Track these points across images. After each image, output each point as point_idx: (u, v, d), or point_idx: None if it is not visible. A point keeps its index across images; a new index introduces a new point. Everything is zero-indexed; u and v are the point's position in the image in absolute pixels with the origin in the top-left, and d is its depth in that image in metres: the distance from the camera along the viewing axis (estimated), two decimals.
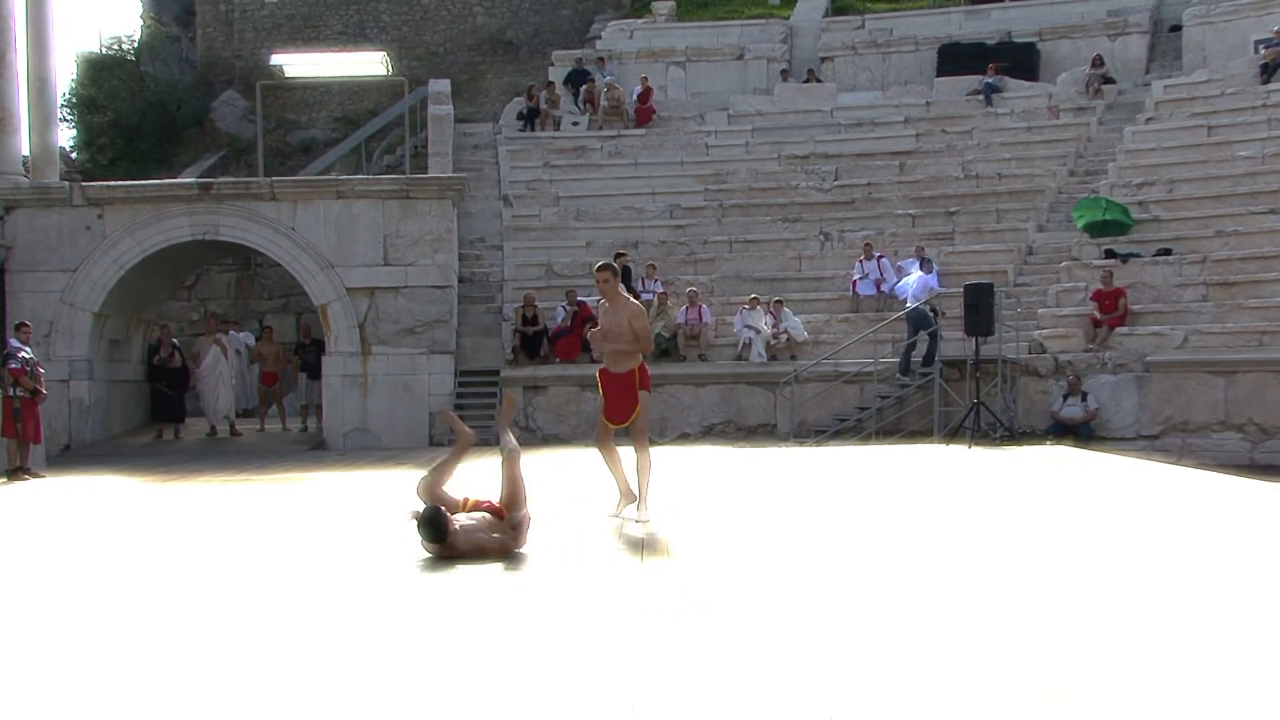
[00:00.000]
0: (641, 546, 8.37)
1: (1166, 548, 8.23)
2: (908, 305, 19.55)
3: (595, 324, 9.80)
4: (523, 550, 8.01)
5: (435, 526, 7.75)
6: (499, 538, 7.91)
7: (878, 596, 6.58)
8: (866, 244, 21.39)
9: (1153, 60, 26.91)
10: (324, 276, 20.08)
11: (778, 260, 22.42)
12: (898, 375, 19.17)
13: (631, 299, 10.01)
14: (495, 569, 7.56)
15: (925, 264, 20.06)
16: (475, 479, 8.95)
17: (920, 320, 18.99)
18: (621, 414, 9.59)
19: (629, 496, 9.65)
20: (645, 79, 27.25)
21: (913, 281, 19.87)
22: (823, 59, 28.73)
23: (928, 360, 18.93)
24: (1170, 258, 20.17)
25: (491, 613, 6.39)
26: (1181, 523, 9.60)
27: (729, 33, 29.59)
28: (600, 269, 9.65)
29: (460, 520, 7.92)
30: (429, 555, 7.85)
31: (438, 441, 18.88)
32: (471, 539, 7.81)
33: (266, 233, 20.23)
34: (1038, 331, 19.64)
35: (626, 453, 9.78)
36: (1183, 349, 18.55)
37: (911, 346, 19.05)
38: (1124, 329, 19.12)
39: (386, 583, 7.26)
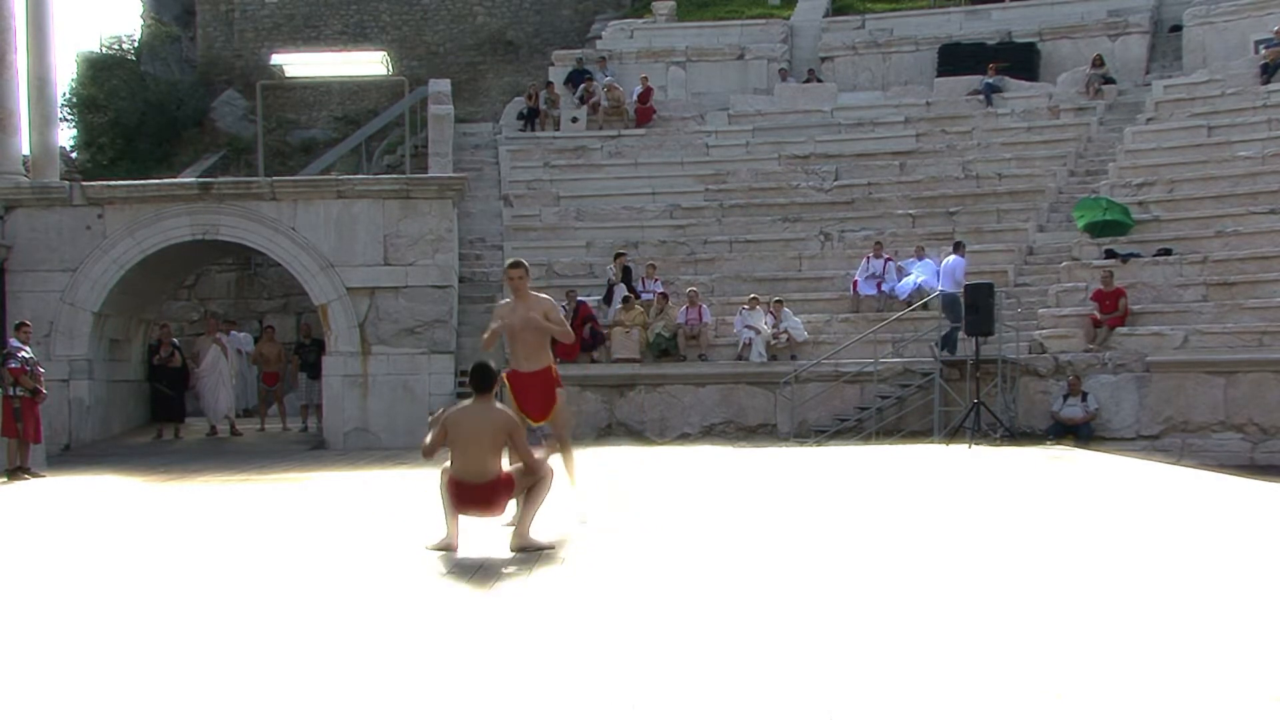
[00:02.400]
0: (644, 546, 8.38)
1: (1166, 548, 8.23)
2: (941, 290, 19.44)
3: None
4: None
5: (486, 374, 7.98)
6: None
7: (877, 597, 6.58)
8: (877, 243, 21.34)
9: (1153, 60, 26.91)
10: (324, 276, 20.08)
11: (778, 260, 22.42)
12: (941, 356, 18.97)
13: (541, 295, 9.87)
14: (496, 570, 7.56)
15: (959, 247, 19.94)
16: None
17: (953, 306, 18.88)
18: (541, 411, 9.54)
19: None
20: (645, 79, 27.25)
21: (949, 263, 19.72)
22: (823, 59, 28.73)
23: (951, 346, 18.82)
24: (1170, 258, 20.17)
25: (491, 613, 6.40)
26: (1182, 523, 9.61)
27: (729, 33, 29.58)
28: (513, 266, 9.48)
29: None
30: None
31: None
32: (509, 416, 7.98)
33: (267, 232, 20.23)
34: (1038, 331, 19.63)
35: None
36: (1183, 349, 18.54)
37: (956, 329, 18.88)
38: (1124, 329, 19.11)
39: (380, 585, 7.26)
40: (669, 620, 6.07)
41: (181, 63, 33.75)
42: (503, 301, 9.66)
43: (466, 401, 8.34)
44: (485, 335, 9.52)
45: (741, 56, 28.86)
